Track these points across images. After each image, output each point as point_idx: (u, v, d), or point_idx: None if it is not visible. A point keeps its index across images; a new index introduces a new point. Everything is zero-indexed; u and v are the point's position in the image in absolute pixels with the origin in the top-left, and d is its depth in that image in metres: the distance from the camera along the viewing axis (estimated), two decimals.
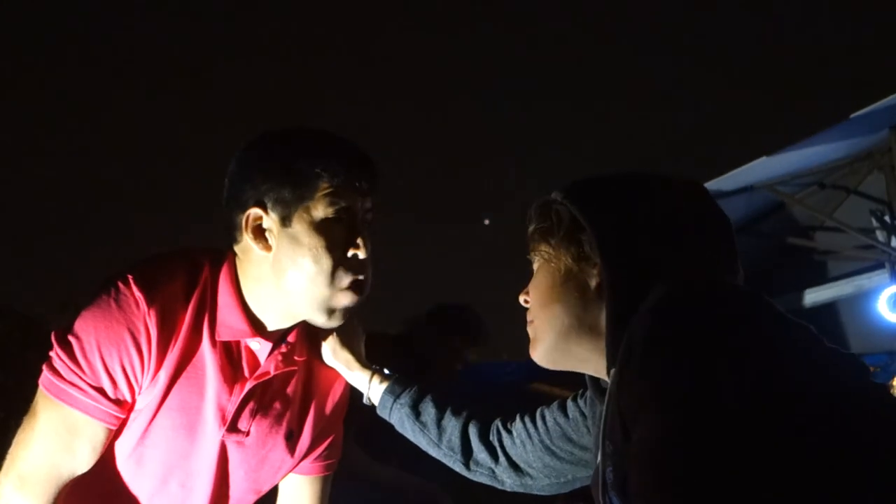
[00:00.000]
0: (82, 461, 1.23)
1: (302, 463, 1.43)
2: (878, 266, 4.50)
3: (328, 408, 1.44)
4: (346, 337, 1.43)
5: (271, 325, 1.30)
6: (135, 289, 1.20)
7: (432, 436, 1.41)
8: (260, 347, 1.29)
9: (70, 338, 1.20)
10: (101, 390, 1.21)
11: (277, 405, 1.35)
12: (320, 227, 1.23)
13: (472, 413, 1.43)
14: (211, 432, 1.29)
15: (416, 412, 1.42)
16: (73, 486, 1.25)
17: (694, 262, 1.02)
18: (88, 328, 1.20)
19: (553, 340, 1.10)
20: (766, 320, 0.88)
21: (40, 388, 1.23)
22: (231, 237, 1.28)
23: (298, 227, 1.22)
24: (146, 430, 1.27)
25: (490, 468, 1.39)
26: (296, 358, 1.35)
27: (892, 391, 2.03)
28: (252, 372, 1.30)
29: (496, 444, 1.39)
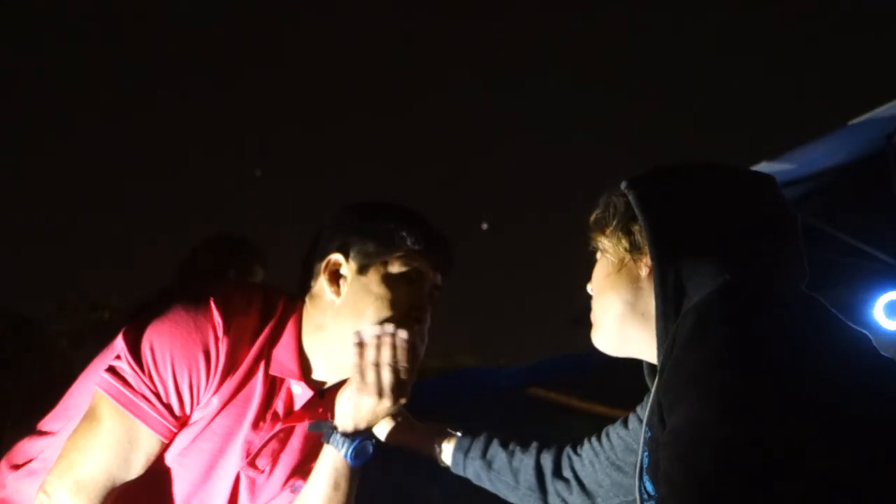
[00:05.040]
0: (135, 471, 1.26)
1: None
2: (874, 273, 4.51)
3: None
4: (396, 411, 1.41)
5: (317, 374, 1.34)
6: (215, 313, 1.24)
7: (509, 480, 1.42)
8: (301, 393, 1.33)
9: (143, 348, 1.22)
10: (168, 406, 1.24)
11: (296, 454, 1.39)
12: (392, 282, 1.31)
13: (542, 447, 1.44)
14: (232, 462, 1.32)
15: (488, 462, 1.43)
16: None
17: (751, 260, 1.01)
18: (164, 342, 1.22)
19: (609, 326, 1.13)
20: (816, 325, 0.88)
21: (102, 393, 1.24)
22: (306, 285, 1.36)
23: (373, 277, 1.31)
24: (187, 447, 1.30)
25: (563, 499, 1.39)
26: (329, 415, 1.37)
27: None
28: (286, 414, 1.33)
29: (569, 472, 1.40)
